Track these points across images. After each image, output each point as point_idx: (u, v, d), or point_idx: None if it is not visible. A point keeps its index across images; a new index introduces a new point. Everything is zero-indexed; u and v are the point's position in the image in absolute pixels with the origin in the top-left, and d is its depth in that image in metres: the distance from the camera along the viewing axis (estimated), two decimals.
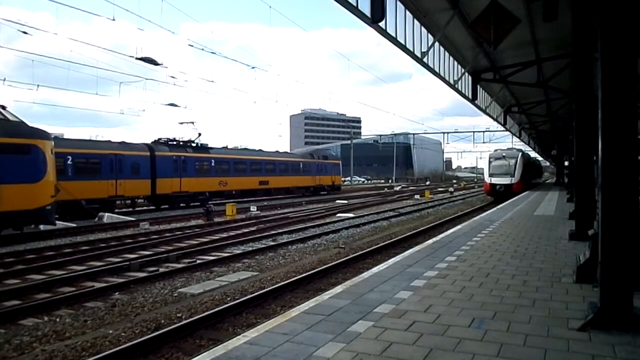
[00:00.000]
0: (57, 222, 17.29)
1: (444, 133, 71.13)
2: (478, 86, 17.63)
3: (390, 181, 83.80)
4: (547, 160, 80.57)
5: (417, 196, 38.69)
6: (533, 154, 62.13)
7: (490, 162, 32.83)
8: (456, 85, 16.21)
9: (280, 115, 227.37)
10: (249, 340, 4.05)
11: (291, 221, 20.85)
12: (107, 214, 22.12)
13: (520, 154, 33.26)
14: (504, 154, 32.99)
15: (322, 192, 44.27)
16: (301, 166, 42.33)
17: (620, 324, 4.10)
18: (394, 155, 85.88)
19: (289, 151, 53.38)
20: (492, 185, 31.58)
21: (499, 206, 19.44)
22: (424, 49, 12.69)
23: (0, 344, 6.26)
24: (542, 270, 6.74)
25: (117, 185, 24.73)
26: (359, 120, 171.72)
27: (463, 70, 16.21)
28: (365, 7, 9.00)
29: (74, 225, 19.10)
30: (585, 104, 9.67)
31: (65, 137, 27.23)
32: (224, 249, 13.78)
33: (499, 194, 30.33)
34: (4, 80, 20.73)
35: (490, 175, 32.03)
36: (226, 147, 36.68)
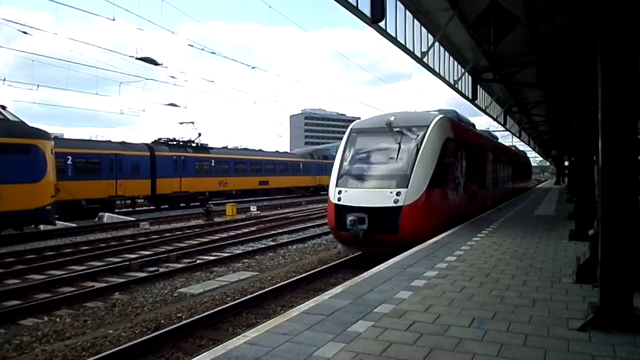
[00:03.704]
0: (57, 222, 17.30)
1: None
2: (478, 86, 17.68)
3: None
4: (547, 160, 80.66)
5: None
6: (526, 146, 49.03)
7: (348, 143, 11.89)
8: (456, 85, 16.24)
9: (280, 115, 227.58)
10: (249, 340, 4.04)
11: (291, 221, 20.85)
12: (107, 214, 22.13)
13: (437, 119, 11.54)
14: (391, 120, 11.25)
15: (322, 192, 44.24)
16: (301, 166, 42.36)
17: (620, 324, 4.10)
18: None
19: (289, 151, 53.38)
20: (341, 211, 10.55)
21: (497, 207, 19.34)
22: (424, 49, 12.72)
23: (0, 344, 6.27)
24: (542, 270, 6.73)
25: (117, 185, 24.73)
26: None
27: (463, 70, 16.24)
28: (365, 7, 9.03)
29: (74, 225, 19.09)
30: (585, 104, 9.67)
31: (65, 137, 27.24)
32: (224, 249, 13.78)
33: (355, 240, 10.26)
34: (4, 80, 20.72)
35: (340, 181, 11.09)
36: (226, 147, 36.70)
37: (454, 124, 12.68)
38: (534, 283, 5.96)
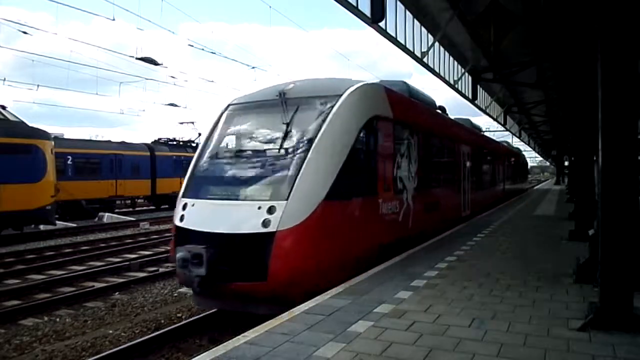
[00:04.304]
0: (57, 222, 17.30)
1: None
2: (478, 86, 17.67)
3: None
4: (547, 160, 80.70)
5: None
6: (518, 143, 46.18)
7: (218, 127, 7.57)
8: (456, 85, 16.25)
9: None
10: (249, 340, 4.04)
11: None
12: (107, 214, 22.14)
13: (354, 87, 7.06)
14: (287, 89, 7.14)
15: None
16: None
17: (620, 324, 4.10)
18: None
19: None
20: (181, 238, 6.28)
21: (496, 207, 19.27)
22: (424, 49, 12.72)
23: (0, 344, 6.27)
24: (542, 270, 6.73)
25: (117, 185, 24.75)
26: None
27: (463, 70, 16.25)
28: (365, 7, 9.03)
29: (74, 225, 19.09)
30: (585, 104, 9.67)
31: (65, 137, 27.25)
32: None
33: (192, 289, 6.34)
34: (4, 80, 20.73)
35: (188, 188, 6.92)
36: None
37: (393, 98, 8.23)
38: (534, 283, 5.96)
